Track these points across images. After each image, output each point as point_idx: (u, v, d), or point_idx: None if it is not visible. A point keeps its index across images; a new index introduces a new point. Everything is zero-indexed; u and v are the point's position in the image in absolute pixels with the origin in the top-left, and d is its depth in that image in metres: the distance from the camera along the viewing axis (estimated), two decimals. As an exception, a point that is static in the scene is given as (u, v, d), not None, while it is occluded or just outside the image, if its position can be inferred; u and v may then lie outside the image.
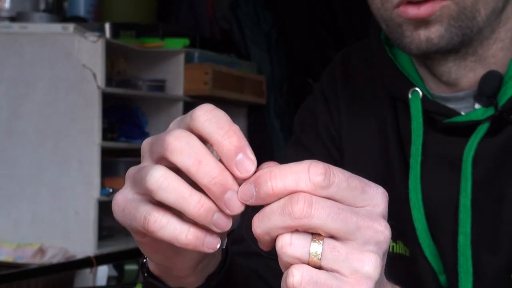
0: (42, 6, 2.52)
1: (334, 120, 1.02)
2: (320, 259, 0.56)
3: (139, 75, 2.72)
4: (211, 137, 0.58)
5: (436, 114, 0.90)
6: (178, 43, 2.79)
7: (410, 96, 0.92)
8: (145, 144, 0.67)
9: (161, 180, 0.58)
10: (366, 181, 0.59)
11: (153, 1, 3.14)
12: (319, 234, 0.56)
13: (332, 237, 0.56)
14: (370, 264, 0.56)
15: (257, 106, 3.23)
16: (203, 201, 0.57)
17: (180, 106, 2.78)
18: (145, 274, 0.76)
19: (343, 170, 0.58)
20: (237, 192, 0.57)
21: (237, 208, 0.57)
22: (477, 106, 0.89)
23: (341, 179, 0.57)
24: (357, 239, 0.57)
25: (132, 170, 0.65)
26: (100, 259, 2.20)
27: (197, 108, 0.60)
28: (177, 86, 2.78)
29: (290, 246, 0.56)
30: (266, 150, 3.28)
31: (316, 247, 0.56)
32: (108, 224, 2.65)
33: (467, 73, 0.89)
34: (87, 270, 2.22)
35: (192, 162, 0.58)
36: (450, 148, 0.90)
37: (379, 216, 0.58)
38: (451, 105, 0.91)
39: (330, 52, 3.36)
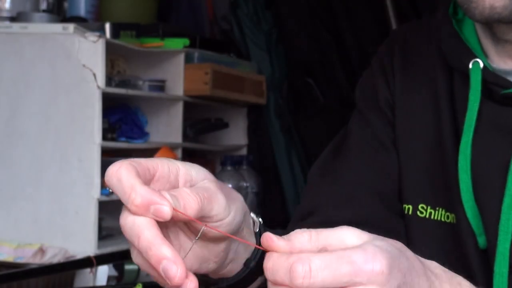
0: (43, 6, 2.52)
1: (391, 91, 1.07)
2: None
3: (139, 75, 2.72)
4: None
5: (494, 85, 0.95)
6: (178, 43, 2.79)
7: (471, 66, 0.96)
8: None
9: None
10: None
11: (153, 1, 3.14)
12: None
13: None
14: None
15: (257, 106, 3.23)
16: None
17: (180, 106, 2.78)
18: None
19: None
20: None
21: (173, 276, 0.62)
22: None
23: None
24: None
25: None
26: (100, 259, 2.20)
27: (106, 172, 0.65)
28: (177, 86, 2.78)
29: None
30: (266, 150, 3.28)
31: None
32: (108, 224, 2.65)
33: None
34: (87, 270, 2.22)
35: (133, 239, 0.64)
36: (504, 117, 0.95)
37: None
38: (510, 78, 0.95)
39: (330, 52, 3.36)
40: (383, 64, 1.09)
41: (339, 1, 3.34)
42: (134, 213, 0.62)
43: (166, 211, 0.61)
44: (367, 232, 0.63)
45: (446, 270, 0.69)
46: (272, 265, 0.60)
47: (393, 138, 1.06)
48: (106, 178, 0.64)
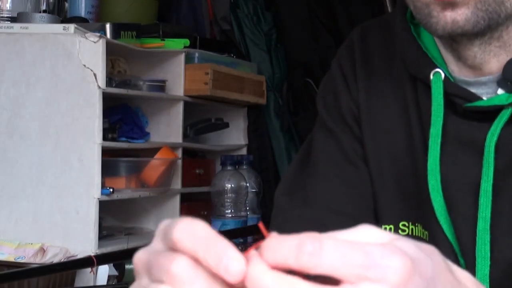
0: (43, 6, 2.53)
1: (353, 98, 1.02)
2: None
3: (139, 75, 2.73)
4: (196, 256, 0.53)
5: (456, 98, 0.90)
6: (178, 43, 2.79)
7: (431, 77, 0.91)
8: (139, 261, 0.57)
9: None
10: None
11: (153, 1, 3.14)
12: None
13: None
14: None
15: (257, 106, 3.24)
16: None
17: (180, 106, 2.79)
18: None
19: None
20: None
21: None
22: (500, 91, 0.89)
23: None
24: None
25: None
26: (100, 259, 2.21)
27: (176, 229, 0.53)
28: (177, 86, 2.78)
29: None
30: (266, 150, 3.28)
31: None
32: (108, 223, 2.66)
33: (491, 58, 0.89)
34: (88, 270, 2.23)
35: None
36: (470, 132, 0.90)
37: None
38: (473, 90, 0.90)
39: (330, 52, 3.36)
40: (343, 69, 1.04)
41: (339, 1, 3.35)
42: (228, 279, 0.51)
43: (235, 270, 0.51)
44: (387, 232, 0.54)
45: (477, 282, 0.59)
46: (276, 243, 0.50)
47: (362, 154, 1.00)
48: (175, 233, 0.52)
